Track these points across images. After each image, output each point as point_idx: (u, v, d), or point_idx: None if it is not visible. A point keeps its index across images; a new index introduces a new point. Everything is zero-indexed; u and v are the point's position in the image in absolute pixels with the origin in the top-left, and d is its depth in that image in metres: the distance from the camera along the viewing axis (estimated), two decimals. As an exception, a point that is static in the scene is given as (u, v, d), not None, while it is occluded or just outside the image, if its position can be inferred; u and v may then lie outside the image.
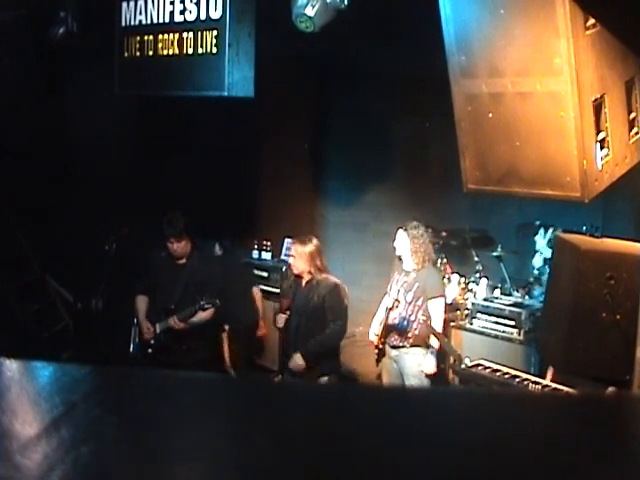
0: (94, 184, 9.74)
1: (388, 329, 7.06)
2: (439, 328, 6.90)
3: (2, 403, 1.45)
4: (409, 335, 7.02)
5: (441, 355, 7.09)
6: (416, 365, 7.03)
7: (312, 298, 6.84)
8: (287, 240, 9.64)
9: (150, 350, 7.38)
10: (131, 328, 7.60)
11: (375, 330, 7.14)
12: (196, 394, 1.58)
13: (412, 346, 7.03)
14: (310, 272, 6.88)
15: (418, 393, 2.11)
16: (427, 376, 6.96)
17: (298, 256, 6.91)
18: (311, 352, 6.78)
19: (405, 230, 7.05)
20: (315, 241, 6.99)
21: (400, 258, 7.16)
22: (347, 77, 9.07)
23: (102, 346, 8.77)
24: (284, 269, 9.31)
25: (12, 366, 1.63)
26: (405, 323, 6.99)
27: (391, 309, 7.00)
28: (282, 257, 9.64)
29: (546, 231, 7.61)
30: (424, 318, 6.96)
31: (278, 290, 9.27)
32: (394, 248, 7.11)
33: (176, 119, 9.53)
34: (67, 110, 9.98)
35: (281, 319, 7.13)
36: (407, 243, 7.05)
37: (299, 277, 6.99)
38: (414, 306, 6.97)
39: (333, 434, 1.37)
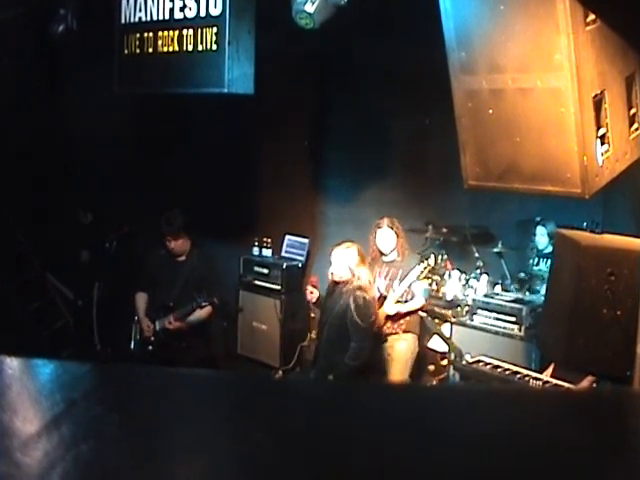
0: (94, 182, 9.75)
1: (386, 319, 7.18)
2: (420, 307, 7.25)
3: (2, 401, 1.45)
4: (401, 322, 7.20)
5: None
6: (404, 349, 7.23)
7: (337, 304, 6.73)
8: (287, 237, 9.65)
9: (150, 347, 7.39)
10: (132, 325, 7.61)
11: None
12: (197, 391, 1.58)
13: (404, 332, 7.25)
14: (348, 279, 6.75)
15: (419, 389, 2.11)
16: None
17: (337, 262, 6.76)
18: (343, 374, 6.68)
19: (387, 224, 7.27)
20: (356, 248, 6.84)
21: (380, 250, 7.31)
22: (347, 74, 9.06)
23: (102, 343, 8.80)
24: (284, 266, 9.33)
25: (12, 364, 1.62)
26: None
27: (379, 299, 7.07)
28: (282, 254, 9.65)
29: (542, 225, 7.61)
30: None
31: (279, 287, 9.28)
32: (373, 240, 7.30)
33: (176, 117, 9.54)
34: (67, 108, 9.99)
35: (311, 294, 7.07)
36: (391, 237, 7.24)
37: (336, 283, 6.86)
38: (402, 293, 7.14)
39: (334, 431, 1.37)
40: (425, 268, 7.02)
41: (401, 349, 7.23)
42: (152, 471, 1.17)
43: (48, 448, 1.19)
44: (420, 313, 7.22)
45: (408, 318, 7.22)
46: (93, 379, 1.56)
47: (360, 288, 6.65)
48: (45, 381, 1.57)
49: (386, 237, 7.25)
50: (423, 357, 7.60)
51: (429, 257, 7.11)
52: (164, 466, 1.20)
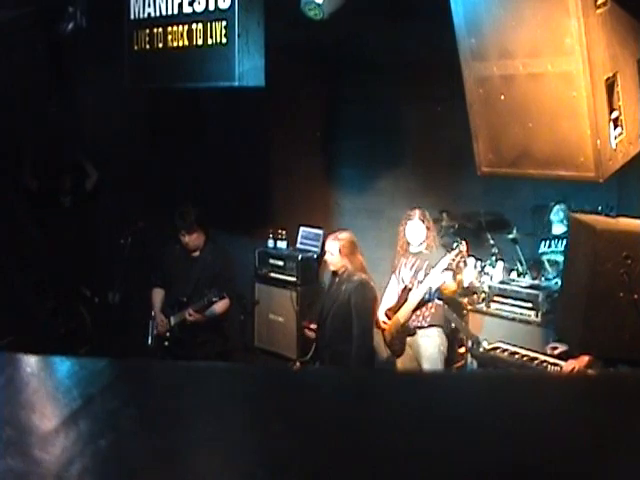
0: (107, 178, 9.77)
1: (412, 312, 7.14)
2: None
3: (20, 398, 1.47)
4: (426, 314, 7.10)
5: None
6: (432, 347, 7.10)
7: (339, 293, 6.84)
8: (302, 228, 9.66)
9: (166, 343, 7.41)
10: (148, 321, 7.63)
11: (384, 312, 7.22)
12: (214, 384, 1.59)
13: (429, 326, 7.13)
14: (346, 267, 6.88)
15: (436, 377, 2.11)
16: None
17: (331, 252, 6.92)
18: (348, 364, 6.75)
19: (416, 215, 7.20)
20: (348, 235, 7.00)
21: (408, 242, 7.23)
22: (357, 63, 9.04)
23: (119, 340, 8.82)
24: (299, 257, 9.34)
25: (30, 361, 1.64)
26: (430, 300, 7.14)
27: (404, 291, 7.08)
28: (297, 246, 9.65)
29: (559, 208, 7.58)
30: (438, 296, 7.14)
31: (294, 279, 9.29)
32: (402, 232, 7.20)
33: (187, 111, 9.55)
34: (78, 106, 9.99)
35: (308, 333, 7.28)
36: (420, 227, 7.17)
37: (335, 273, 7.00)
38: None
39: (352, 421, 1.37)
40: (457, 255, 6.97)
41: (428, 345, 7.14)
42: (171, 465, 1.18)
43: (66, 444, 1.20)
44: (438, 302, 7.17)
45: (433, 310, 7.15)
46: (110, 374, 1.56)
47: (357, 274, 6.77)
48: (62, 378, 1.58)
49: (416, 229, 7.22)
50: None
51: (460, 243, 7.07)
52: (183, 460, 1.20)
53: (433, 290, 7.06)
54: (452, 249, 7.04)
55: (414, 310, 7.11)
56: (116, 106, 9.14)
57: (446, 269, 6.96)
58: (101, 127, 9.62)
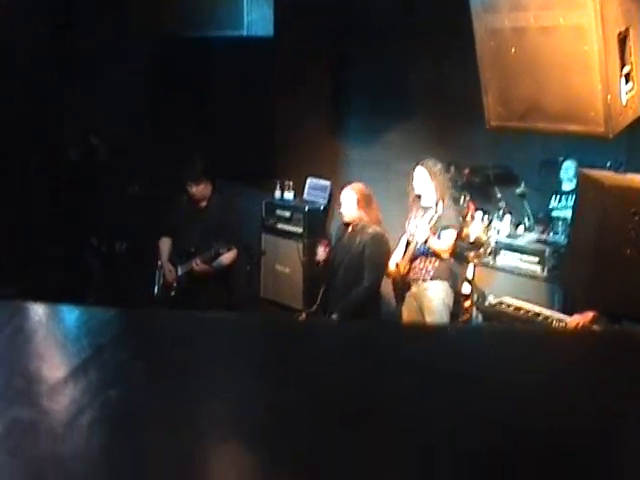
0: (114, 128, 9.74)
1: (409, 263, 7.14)
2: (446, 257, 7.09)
3: (29, 347, 1.47)
4: (429, 268, 7.09)
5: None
6: (436, 299, 7.11)
7: (353, 245, 6.87)
8: (309, 180, 9.64)
9: (173, 293, 7.43)
10: (155, 271, 7.65)
11: (394, 263, 7.22)
12: (222, 335, 1.60)
13: (432, 279, 7.11)
14: (361, 219, 6.91)
15: (440, 330, 2.12)
16: None
17: (347, 203, 6.92)
18: (345, 313, 6.80)
19: (424, 166, 7.10)
20: (365, 187, 7.01)
21: (418, 195, 7.19)
22: (367, 16, 8.96)
23: (126, 289, 8.85)
24: (306, 209, 9.34)
25: (39, 310, 1.64)
26: (424, 254, 7.10)
27: (407, 244, 7.09)
28: (304, 197, 9.64)
29: (569, 163, 7.54)
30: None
31: (301, 230, 9.30)
32: (412, 185, 7.16)
33: (194, 61, 9.47)
34: (83, 58, 9.92)
35: (321, 252, 7.20)
36: (426, 179, 7.10)
37: (348, 224, 7.02)
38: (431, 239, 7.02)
39: (357, 371, 1.39)
40: (439, 217, 6.94)
41: (432, 298, 7.14)
42: (179, 415, 1.19)
43: (75, 394, 1.21)
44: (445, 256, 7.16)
45: (437, 264, 7.13)
46: (119, 324, 1.57)
47: (372, 226, 6.79)
48: (71, 327, 1.59)
49: (420, 181, 7.16)
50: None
51: (466, 197, 7.05)
52: (191, 410, 1.21)
53: (419, 245, 7.04)
54: (459, 203, 7.02)
55: (411, 262, 7.13)
56: (120, 57, 9.10)
57: (444, 227, 6.99)
58: (104, 78, 9.56)
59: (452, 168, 7.97)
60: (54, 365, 1.39)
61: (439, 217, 6.95)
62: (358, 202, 6.88)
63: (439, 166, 7.19)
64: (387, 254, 7.00)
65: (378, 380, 1.36)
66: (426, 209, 7.13)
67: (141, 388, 1.27)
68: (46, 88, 9.13)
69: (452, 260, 7.20)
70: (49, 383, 1.28)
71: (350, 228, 6.98)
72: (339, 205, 7.19)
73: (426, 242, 6.97)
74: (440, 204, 7.06)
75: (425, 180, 7.11)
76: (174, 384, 1.29)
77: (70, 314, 1.68)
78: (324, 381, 1.34)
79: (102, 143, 9.79)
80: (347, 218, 6.98)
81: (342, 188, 7.29)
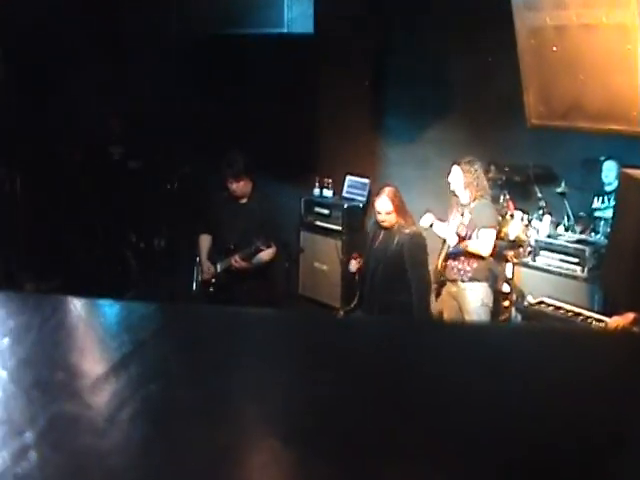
0: (156, 124, 9.80)
1: (447, 263, 7.10)
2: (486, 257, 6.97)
3: (70, 342, 1.49)
4: (467, 269, 7.03)
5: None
6: (475, 301, 7.03)
7: (391, 244, 6.86)
8: (348, 177, 9.65)
9: (211, 289, 7.45)
10: (193, 268, 7.68)
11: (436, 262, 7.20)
12: (262, 331, 1.60)
13: (470, 280, 7.03)
14: (398, 222, 6.90)
15: (480, 328, 2.11)
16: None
17: (386, 211, 6.88)
18: (422, 312, 6.81)
19: (459, 165, 7.03)
20: (395, 189, 6.98)
21: (455, 194, 7.15)
22: (407, 13, 8.95)
23: (164, 286, 8.91)
24: (345, 206, 9.35)
25: (78, 304, 1.66)
26: (462, 256, 7.01)
27: (443, 243, 7.06)
28: (343, 194, 9.66)
29: (611, 162, 7.48)
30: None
31: (340, 228, 9.32)
32: (448, 184, 7.12)
33: (236, 58, 9.51)
34: (127, 55, 10.00)
35: (354, 265, 7.22)
36: (460, 178, 7.02)
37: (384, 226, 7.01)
38: (469, 239, 6.95)
39: (397, 370, 1.39)
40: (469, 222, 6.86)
41: (471, 299, 7.04)
42: (220, 410, 1.20)
43: (117, 388, 1.23)
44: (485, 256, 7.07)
45: (475, 265, 7.02)
46: (160, 319, 1.58)
47: (409, 227, 6.79)
48: (112, 322, 1.60)
49: (454, 178, 7.06)
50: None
51: (505, 197, 6.98)
52: (231, 406, 1.22)
53: (451, 247, 7.00)
54: (499, 202, 6.97)
55: (445, 262, 7.11)
56: (163, 53, 9.16)
57: (482, 227, 6.85)
58: (148, 73, 9.63)
59: (492, 167, 7.94)
60: (95, 359, 1.40)
61: (471, 218, 6.88)
62: (395, 208, 6.87)
63: (475, 165, 7.03)
64: (426, 252, 6.98)
65: (419, 377, 1.36)
66: (464, 207, 7.07)
67: (181, 383, 1.29)
68: (89, 86, 9.21)
69: (491, 259, 7.13)
70: (91, 377, 1.30)
71: (385, 229, 6.96)
72: (375, 210, 7.13)
73: (461, 243, 6.91)
74: (474, 204, 6.98)
75: (460, 180, 7.05)
76: (214, 379, 1.30)
77: (110, 309, 1.70)
78: (363, 378, 1.34)
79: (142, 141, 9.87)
80: (387, 224, 6.95)
81: (380, 188, 7.23)
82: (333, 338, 1.56)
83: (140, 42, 9.70)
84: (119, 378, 1.27)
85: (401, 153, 9.41)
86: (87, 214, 9.64)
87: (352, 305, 7.30)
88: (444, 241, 7.06)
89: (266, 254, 7.23)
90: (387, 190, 6.99)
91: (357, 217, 9.42)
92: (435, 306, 7.47)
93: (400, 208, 6.90)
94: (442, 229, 6.92)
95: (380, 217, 6.98)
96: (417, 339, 1.60)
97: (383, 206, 6.91)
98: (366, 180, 9.51)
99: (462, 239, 6.89)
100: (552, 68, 5.60)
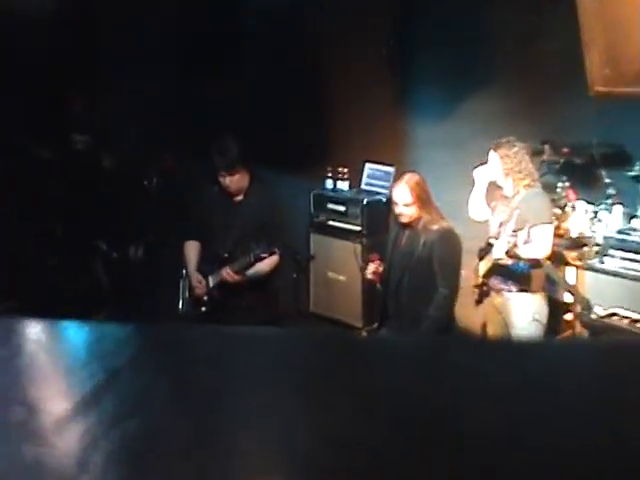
0: (130, 105, 9.82)
1: (491, 269, 7.03)
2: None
3: (30, 372, 1.51)
4: (514, 277, 6.97)
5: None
6: (523, 315, 6.94)
7: (417, 246, 6.83)
8: (368, 165, 9.64)
9: (203, 308, 7.43)
10: (179, 282, 7.68)
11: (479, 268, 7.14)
12: (260, 353, 1.62)
13: (520, 290, 6.95)
14: (421, 217, 6.87)
15: (525, 347, 2.12)
16: None
17: (404, 202, 6.87)
18: (429, 331, 6.79)
19: (496, 151, 6.93)
20: (418, 177, 6.95)
21: (496, 184, 7.09)
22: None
23: (143, 305, 8.91)
24: (365, 201, 9.34)
25: (39, 327, 1.68)
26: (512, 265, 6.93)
27: (489, 245, 6.97)
28: (362, 186, 9.65)
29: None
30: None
31: (359, 228, 9.30)
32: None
33: (228, 26, 9.54)
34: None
35: (371, 269, 7.21)
36: (498, 164, 6.94)
37: (405, 225, 6.98)
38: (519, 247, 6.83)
39: (424, 395, 1.41)
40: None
41: (519, 313, 6.96)
42: (212, 448, 1.21)
43: (87, 426, 1.25)
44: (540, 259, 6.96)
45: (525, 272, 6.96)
46: (137, 343, 1.60)
47: (437, 223, 6.76)
48: (80, 347, 1.62)
49: (490, 163, 7.00)
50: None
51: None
52: (224, 446, 1.24)
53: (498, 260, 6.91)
54: (555, 191, 6.92)
55: (491, 269, 7.02)
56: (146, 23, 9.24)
57: (533, 225, 6.66)
58: (125, 48, 9.68)
59: (547, 147, 7.92)
60: (61, 393, 1.42)
61: (519, 214, 6.66)
62: (416, 199, 6.82)
63: (515, 147, 6.89)
64: (460, 252, 6.93)
65: (450, 403, 1.38)
66: (508, 200, 6.95)
67: (164, 419, 1.30)
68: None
69: (548, 263, 7.08)
70: (55, 414, 1.32)
71: (408, 228, 6.93)
72: (392, 200, 7.12)
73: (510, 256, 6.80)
74: (521, 195, 6.87)
75: (498, 167, 6.96)
76: (205, 412, 1.32)
77: (78, 332, 1.71)
78: (379, 404, 1.36)
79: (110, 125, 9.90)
80: (406, 219, 6.89)
81: (400, 177, 7.24)
82: (348, 360, 1.58)
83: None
84: (90, 414, 1.29)
85: (431, 133, 9.39)
86: (45, 218, 9.65)
87: (376, 324, 7.30)
88: (488, 246, 6.97)
89: (265, 264, 7.21)
90: (407, 177, 6.96)
91: (380, 214, 9.33)
92: (475, 319, 7.46)
93: (423, 200, 6.84)
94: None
95: (397, 209, 6.96)
96: (449, 358, 1.61)
97: (401, 196, 6.88)
98: (390, 168, 9.49)
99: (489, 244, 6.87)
100: (620, 22, 5.61)
